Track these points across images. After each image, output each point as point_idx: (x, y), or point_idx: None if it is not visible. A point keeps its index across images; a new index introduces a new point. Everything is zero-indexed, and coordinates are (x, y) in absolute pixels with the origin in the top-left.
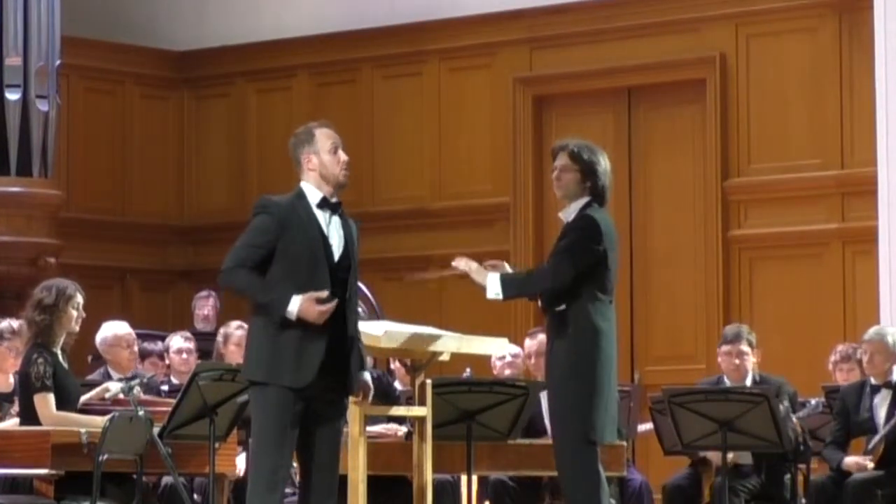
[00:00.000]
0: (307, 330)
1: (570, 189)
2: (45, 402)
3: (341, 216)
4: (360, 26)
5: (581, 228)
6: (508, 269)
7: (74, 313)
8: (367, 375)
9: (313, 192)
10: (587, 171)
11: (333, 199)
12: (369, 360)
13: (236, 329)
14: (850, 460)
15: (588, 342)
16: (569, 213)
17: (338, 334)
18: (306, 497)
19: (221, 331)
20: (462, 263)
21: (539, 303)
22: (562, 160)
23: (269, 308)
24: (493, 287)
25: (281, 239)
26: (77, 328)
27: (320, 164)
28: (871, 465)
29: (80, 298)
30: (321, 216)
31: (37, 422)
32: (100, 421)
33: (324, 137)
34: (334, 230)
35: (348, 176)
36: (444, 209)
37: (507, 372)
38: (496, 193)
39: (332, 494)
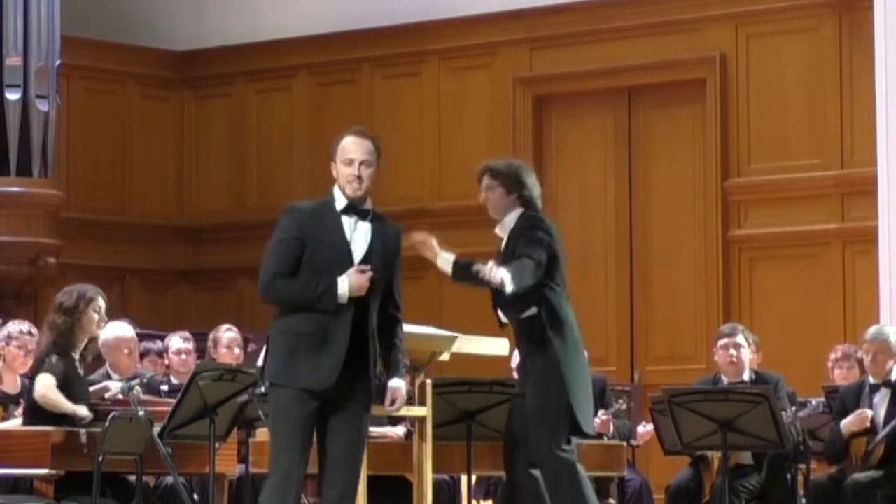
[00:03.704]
0: (328, 331)
1: (500, 205)
2: (45, 382)
3: (374, 221)
4: (360, 26)
5: (531, 227)
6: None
7: (95, 316)
8: (399, 382)
9: (340, 198)
10: (509, 183)
11: (364, 206)
12: None
13: (225, 332)
14: (849, 419)
15: (560, 337)
16: (506, 227)
17: (357, 335)
18: (323, 494)
19: (211, 335)
20: (421, 244)
21: (499, 317)
22: (485, 181)
23: (321, 303)
24: (447, 260)
25: (307, 243)
26: (99, 332)
27: (338, 175)
28: (869, 413)
29: (101, 302)
30: (346, 221)
31: (42, 420)
32: (81, 411)
33: (344, 148)
34: (360, 235)
35: (358, 190)
36: (444, 209)
37: None
38: None
39: (348, 493)
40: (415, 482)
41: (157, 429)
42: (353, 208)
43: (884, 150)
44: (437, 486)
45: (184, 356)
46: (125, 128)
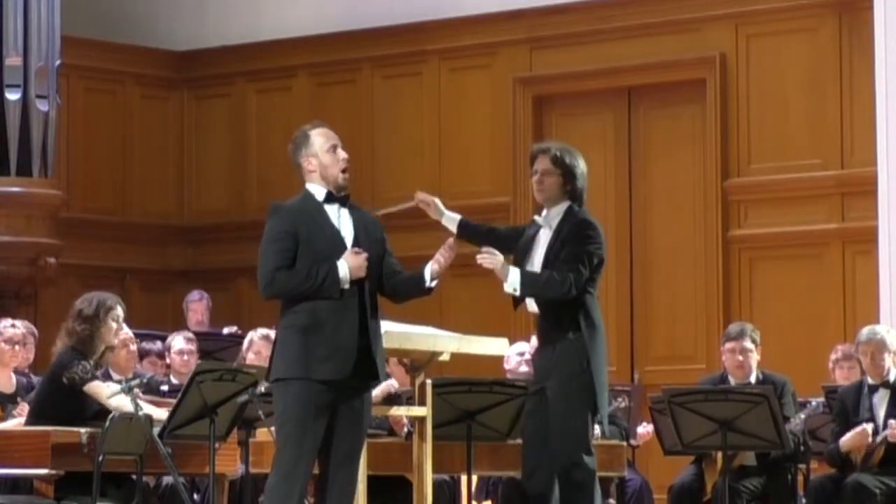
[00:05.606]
0: (336, 321)
1: (553, 193)
2: (99, 390)
3: (351, 208)
4: (360, 26)
5: (588, 236)
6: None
7: (114, 325)
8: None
9: (318, 191)
10: (568, 174)
11: (341, 194)
12: None
13: (260, 338)
14: (848, 436)
15: (589, 338)
16: (551, 218)
17: (362, 322)
18: (324, 491)
19: (249, 335)
20: (487, 260)
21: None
22: (543, 164)
23: (325, 289)
24: (513, 282)
25: (300, 238)
26: (116, 342)
27: (319, 165)
28: (869, 428)
29: (120, 311)
30: (330, 210)
31: (47, 422)
32: (159, 413)
33: (320, 138)
34: (345, 222)
35: (348, 172)
36: None
37: (524, 368)
38: (496, 193)
39: (349, 490)
40: (415, 482)
41: (157, 429)
42: (334, 197)
43: (884, 150)
44: (437, 486)
45: (185, 357)
46: (125, 128)
